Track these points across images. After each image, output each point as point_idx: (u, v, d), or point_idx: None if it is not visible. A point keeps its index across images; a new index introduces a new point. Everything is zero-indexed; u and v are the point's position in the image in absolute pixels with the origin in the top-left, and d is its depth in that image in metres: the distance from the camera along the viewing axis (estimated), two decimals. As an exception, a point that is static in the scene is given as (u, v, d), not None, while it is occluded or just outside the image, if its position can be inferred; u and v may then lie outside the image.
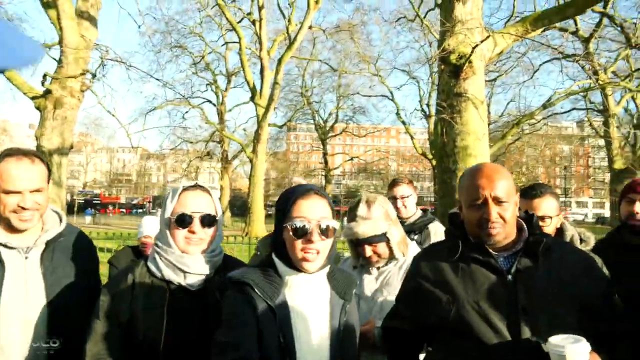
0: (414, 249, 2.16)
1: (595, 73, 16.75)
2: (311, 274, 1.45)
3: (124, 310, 1.59)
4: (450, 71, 7.05)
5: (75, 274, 1.85)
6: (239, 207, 42.00)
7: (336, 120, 40.15)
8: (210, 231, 1.69)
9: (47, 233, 1.83)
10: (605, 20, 17.05)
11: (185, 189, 1.71)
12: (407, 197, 3.25)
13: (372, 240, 2.00)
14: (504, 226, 1.52)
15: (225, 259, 1.78)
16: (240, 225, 27.00)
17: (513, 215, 1.55)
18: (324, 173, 42.73)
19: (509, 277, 1.49)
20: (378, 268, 2.09)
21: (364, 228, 1.98)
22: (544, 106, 16.02)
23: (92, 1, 12.39)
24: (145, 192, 64.84)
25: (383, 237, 2.01)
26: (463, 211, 1.61)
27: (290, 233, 1.42)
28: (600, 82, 15.34)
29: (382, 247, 2.03)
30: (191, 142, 33.58)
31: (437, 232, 3.11)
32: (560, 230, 2.43)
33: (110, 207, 52.15)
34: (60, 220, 1.92)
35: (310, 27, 22.64)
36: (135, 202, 58.47)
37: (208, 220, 1.67)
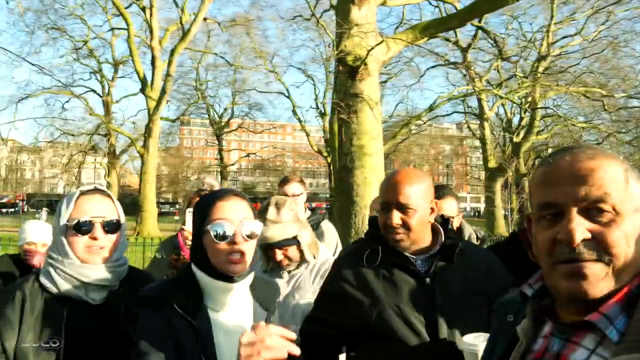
0: (324, 251, 2.18)
1: (473, 80, 18.42)
2: (235, 282, 1.38)
3: (11, 335, 1.38)
4: (347, 72, 7.29)
5: None
6: (129, 205, 39.50)
7: (232, 115, 39.45)
8: (113, 238, 1.55)
9: None
10: (480, 34, 18.82)
11: (82, 193, 1.55)
12: (299, 195, 3.24)
13: (282, 244, 1.97)
14: (407, 233, 1.56)
15: (130, 270, 1.64)
16: (131, 225, 25.44)
17: (421, 222, 1.58)
18: (219, 169, 41.79)
19: (427, 279, 1.56)
20: (289, 272, 2.07)
21: (273, 232, 1.94)
22: (430, 108, 17.23)
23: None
24: (18, 189, 58.28)
25: (294, 241, 1.99)
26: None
27: (212, 237, 1.34)
28: (477, 89, 16.89)
29: (292, 251, 2.01)
30: (73, 135, 30.75)
31: (329, 230, 3.17)
32: (459, 230, 2.61)
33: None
34: None
35: (205, 19, 21.95)
36: (4, 200, 52.27)
37: (111, 226, 1.54)
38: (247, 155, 49.16)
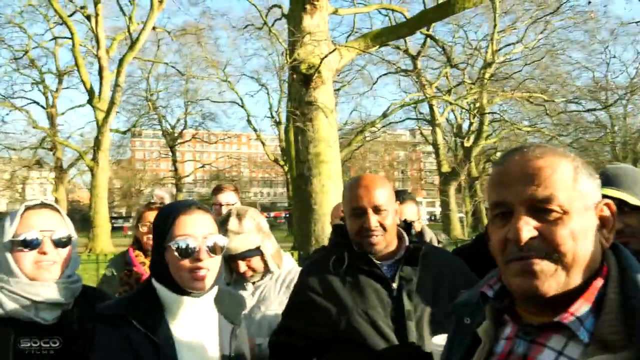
0: (288, 261, 2.14)
1: (423, 87, 18.93)
2: (198, 296, 1.34)
3: None
4: (301, 80, 7.32)
5: None
6: (79, 221, 37.89)
7: (185, 126, 38.69)
8: (64, 253, 1.46)
9: None
10: (429, 42, 19.41)
11: (28, 208, 1.46)
12: (233, 204, 3.14)
13: (245, 255, 1.93)
14: (384, 234, 1.58)
15: (84, 289, 1.55)
16: (83, 242, 24.39)
17: (393, 224, 1.62)
18: (174, 181, 40.83)
19: (394, 284, 1.57)
20: (253, 283, 2.02)
21: (236, 243, 1.89)
22: (384, 115, 17.55)
23: None
24: (-47, 208, 54.67)
25: (257, 251, 1.95)
26: (346, 221, 1.65)
27: (175, 253, 1.29)
28: (427, 96, 17.37)
29: (256, 262, 1.96)
30: (15, 149, 29.20)
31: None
32: (420, 234, 2.64)
33: None
34: None
35: (154, 28, 21.50)
36: (-61, 221, 48.85)
37: (61, 240, 1.45)
38: (203, 166, 48.34)
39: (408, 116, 27.09)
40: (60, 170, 29.24)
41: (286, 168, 27.43)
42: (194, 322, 1.35)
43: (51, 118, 28.93)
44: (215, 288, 1.42)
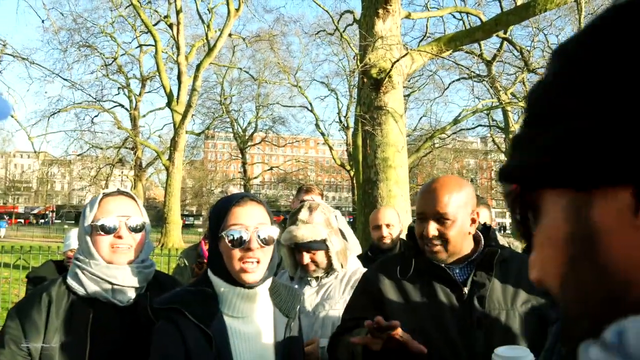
0: (354, 262, 2.12)
1: (498, 93, 18.21)
2: (252, 287, 1.35)
3: (36, 338, 1.37)
4: (371, 85, 7.28)
5: None
6: (154, 217, 40.17)
7: (255, 129, 39.87)
8: (138, 237, 1.54)
9: None
10: (505, 46, 18.64)
11: (105, 195, 1.55)
12: None
13: (311, 246, 1.92)
14: (444, 244, 1.50)
15: (157, 274, 1.62)
16: (156, 236, 25.78)
17: (460, 233, 1.51)
18: (243, 183, 42.13)
19: (465, 289, 1.49)
20: (317, 279, 2.00)
21: (303, 231, 1.90)
22: (455, 121, 17.08)
23: (-11, -9, 11.30)
24: (48, 201, 59.81)
25: (322, 245, 1.93)
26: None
27: (227, 242, 1.32)
28: (502, 102, 16.67)
29: (320, 256, 1.95)
30: (101, 148, 31.53)
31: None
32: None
33: (7, 217, 47.45)
34: None
35: (230, 35, 22.36)
36: (35, 211, 53.70)
37: (135, 226, 1.53)
38: (270, 169, 49.49)
39: (480, 123, 26.19)
40: (139, 168, 31.14)
41: (352, 172, 27.41)
42: (248, 313, 1.37)
43: (134, 120, 30.94)
44: (270, 280, 1.42)
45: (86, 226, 1.50)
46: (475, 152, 53.30)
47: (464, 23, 17.28)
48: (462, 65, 13.55)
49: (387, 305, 1.56)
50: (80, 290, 1.46)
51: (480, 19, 10.45)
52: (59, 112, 26.10)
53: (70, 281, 1.48)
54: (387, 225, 3.03)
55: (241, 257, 1.33)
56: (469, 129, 25.46)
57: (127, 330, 1.43)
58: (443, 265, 1.53)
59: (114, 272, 1.47)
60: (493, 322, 1.41)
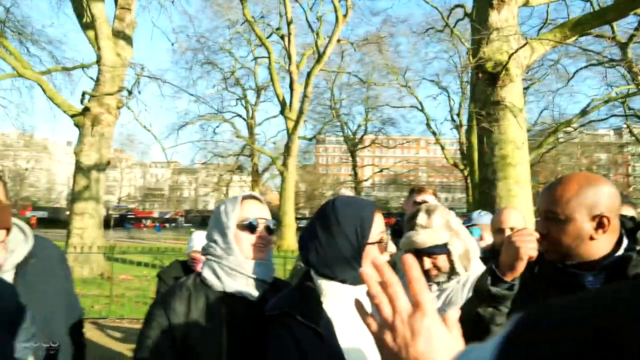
0: (478, 265, 2.00)
1: (635, 78, 16.17)
2: (356, 285, 1.38)
3: (178, 326, 1.48)
4: (487, 79, 6.90)
5: (50, 295, 1.75)
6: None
7: (365, 132, 40.06)
8: (271, 239, 1.67)
9: (14, 255, 1.67)
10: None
11: (244, 197, 1.69)
12: None
13: (431, 251, 1.84)
14: (553, 245, 1.35)
15: (274, 279, 1.71)
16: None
17: (574, 235, 1.32)
18: (353, 185, 42.54)
19: None
20: (438, 284, 1.92)
21: (423, 237, 1.83)
22: (583, 113, 15.54)
23: (128, 21, 12.79)
24: (178, 206, 65.99)
25: (444, 249, 1.85)
26: None
27: (376, 247, 1.40)
28: (641, 88, 14.78)
29: (442, 260, 1.86)
30: (222, 156, 34.05)
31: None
32: None
33: (144, 222, 53.28)
34: (25, 236, 1.75)
35: (338, 41, 22.73)
36: (167, 216, 59.56)
37: (271, 226, 1.67)
38: (381, 171, 49.37)
39: (613, 113, 23.51)
40: (256, 174, 33.01)
41: (465, 172, 26.29)
42: (348, 310, 1.37)
43: (250, 128, 32.91)
44: None
45: (229, 225, 1.60)
46: (608, 145, 48.01)
47: (591, 4, 15.64)
48: (590, 51, 12.25)
49: (514, 309, 1.44)
50: (217, 284, 1.55)
51: (611, -3, 9.38)
52: (186, 124, 28.74)
53: (207, 275, 1.58)
54: (512, 229, 2.80)
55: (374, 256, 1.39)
56: (600, 120, 22.96)
57: (258, 324, 1.49)
58: (572, 270, 1.36)
59: (250, 265, 1.57)
60: None
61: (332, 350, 1.29)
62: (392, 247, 2.16)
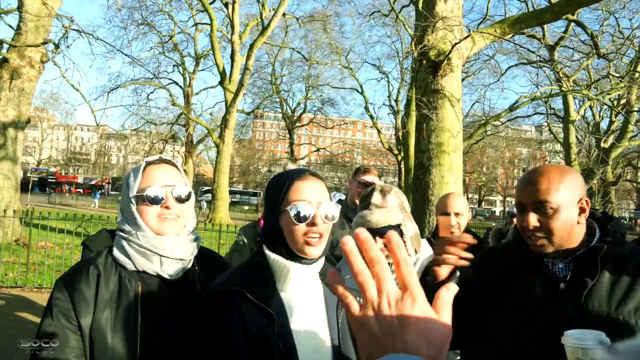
0: (426, 248, 2.02)
1: (559, 80, 17.29)
2: (309, 264, 1.33)
3: (86, 311, 1.32)
4: (428, 67, 7.06)
5: None
6: (203, 193, 41.41)
7: (304, 110, 40.01)
8: (185, 208, 1.47)
9: None
10: (571, 30, 17.61)
11: (148, 163, 1.48)
12: None
13: (384, 231, 1.86)
14: (549, 236, 1.37)
15: (200, 249, 1.56)
16: (204, 212, 26.54)
17: (565, 222, 1.36)
18: (291, 161, 42.52)
19: (562, 285, 1.37)
20: (389, 265, 1.94)
21: (378, 216, 1.83)
22: (511, 109, 16.41)
23: (57, -32, 11.72)
24: (105, 172, 62.75)
25: (397, 229, 1.85)
26: None
27: (292, 218, 1.29)
28: (564, 89, 15.82)
29: None
30: (155, 124, 32.65)
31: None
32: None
33: (67, 187, 50.19)
34: None
35: (284, 15, 22.32)
36: (93, 182, 56.50)
37: (182, 195, 1.45)
38: (317, 150, 49.66)
39: (537, 111, 25.05)
40: (190, 145, 32.02)
41: (399, 157, 27.06)
42: (302, 289, 1.34)
43: (187, 97, 31.72)
44: (323, 259, 1.39)
45: (131, 196, 1.42)
46: (529, 141, 51.29)
47: (527, 5, 16.42)
48: (525, 48, 12.88)
49: (478, 294, 1.50)
50: (128, 264, 1.40)
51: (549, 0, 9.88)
52: (118, 87, 27.15)
53: (117, 254, 1.41)
54: (457, 214, 2.87)
55: (306, 232, 1.31)
56: (525, 117, 24.40)
57: (177, 304, 1.39)
58: (545, 259, 1.42)
59: (162, 243, 1.40)
60: (588, 325, 1.23)
61: (283, 332, 1.25)
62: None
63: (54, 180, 51.99)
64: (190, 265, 1.47)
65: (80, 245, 3.33)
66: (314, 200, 1.32)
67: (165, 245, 1.40)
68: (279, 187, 1.35)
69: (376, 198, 1.88)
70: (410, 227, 1.91)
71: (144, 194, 1.40)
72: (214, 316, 1.28)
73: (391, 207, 1.87)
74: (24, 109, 11.22)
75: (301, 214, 1.29)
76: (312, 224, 1.30)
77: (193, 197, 1.52)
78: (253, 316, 1.24)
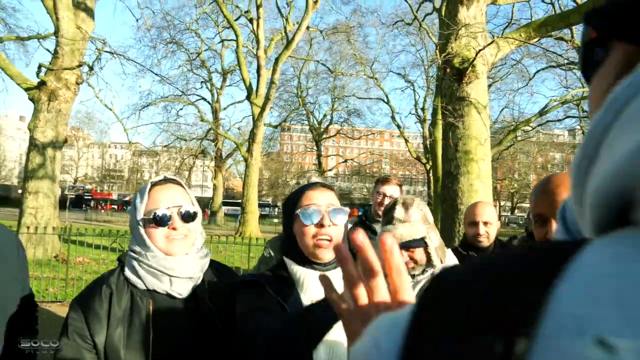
0: (451, 257, 2.00)
1: (591, 82, 16.84)
2: (325, 269, 1.38)
3: (99, 329, 1.38)
4: (453, 75, 7.03)
5: (4, 286, 1.62)
6: (232, 206, 41.95)
7: (331, 122, 40.13)
8: (192, 227, 1.50)
9: None
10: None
11: (154, 184, 1.52)
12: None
13: (409, 245, 1.85)
14: None
15: (211, 262, 1.59)
16: (233, 225, 26.84)
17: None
18: (317, 174, 42.63)
19: None
20: (413, 276, 1.92)
21: (402, 231, 1.83)
22: (541, 113, 16.10)
23: (90, -7, 12.24)
24: (137, 188, 64.27)
25: (421, 242, 1.86)
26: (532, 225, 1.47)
27: (301, 219, 1.39)
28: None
29: (419, 253, 1.87)
30: (185, 140, 33.38)
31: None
32: None
33: (102, 203, 51.69)
34: None
35: (307, 28, 22.58)
36: (127, 198, 57.99)
37: (188, 215, 1.49)
38: (345, 161, 49.66)
39: (569, 114, 24.45)
40: (219, 159, 32.56)
41: (428, 166, 26.80)
42: (321, 293, 1.36)
43: (215, 113, 32.34)
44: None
45: (139, 219, 1.46)
46: (562, 145, 49.98)
47: (553, 7, 16.13)
48: (552, 52, 12.66)
49: None
50: (139, 283, 1.44)
51: (575, 1, 9.70)
52: (149, 105, 27.94)
53: (128, 274, 1.46)
54: (485, 223, 2.81)
55: (315, 234, 1.39)
56: (557, 121, 23.85)
57: (187, 321, 1.43)
58: None
59: (172, 263, 1.43)
60: None
61: None
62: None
63: (89, 197, 53.64)
64: (199, 281, 1.50)
65: (116, 260, 3.44)
66: (323, 204, 1.42)
67: (174, 265, 1.44)
68: (293, 198, 1.46)
69: (399, 212, 1.88)
70: (435, 238, 1.90)
71: (151, 216, 1.44)
72: (239, 300, 1.37)
73: (414, 220, 1.87)
74: (61, 129, 11.67)
75: (309, 215, 1.39)
76: (321, 225, 1.38)
77: (200, 214, 1.55)
78: (272, 309, 1.30)
